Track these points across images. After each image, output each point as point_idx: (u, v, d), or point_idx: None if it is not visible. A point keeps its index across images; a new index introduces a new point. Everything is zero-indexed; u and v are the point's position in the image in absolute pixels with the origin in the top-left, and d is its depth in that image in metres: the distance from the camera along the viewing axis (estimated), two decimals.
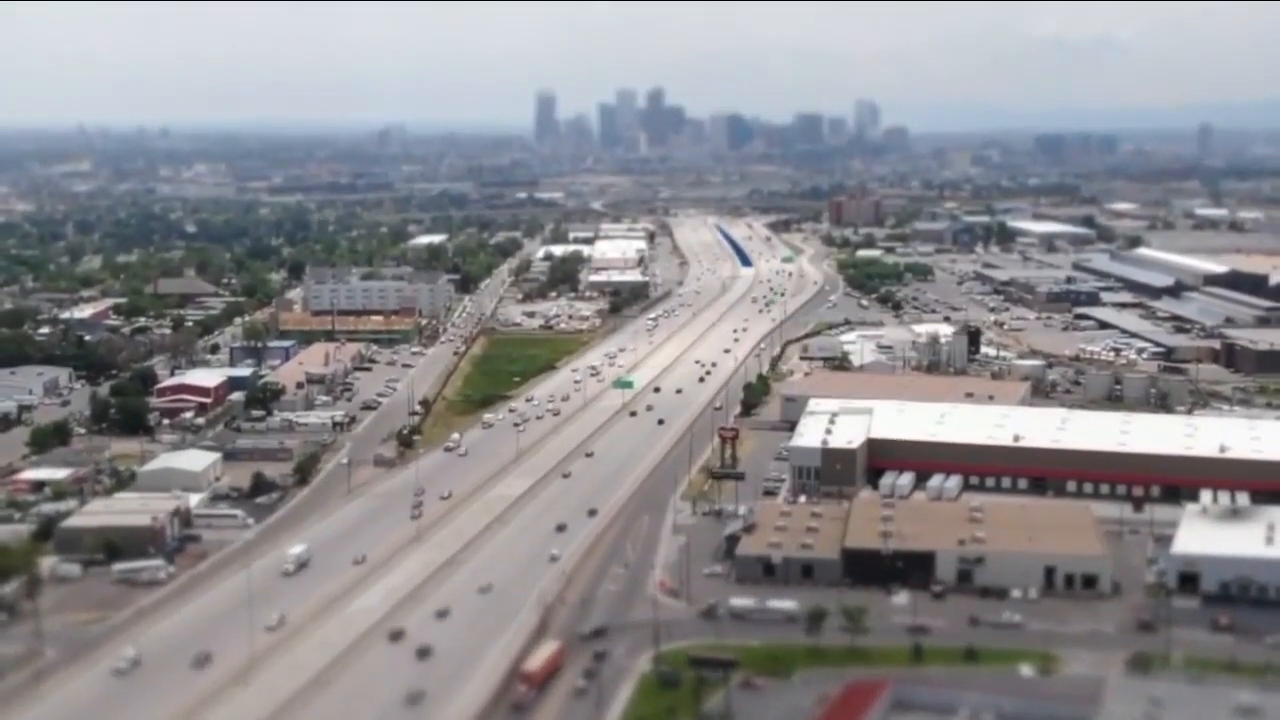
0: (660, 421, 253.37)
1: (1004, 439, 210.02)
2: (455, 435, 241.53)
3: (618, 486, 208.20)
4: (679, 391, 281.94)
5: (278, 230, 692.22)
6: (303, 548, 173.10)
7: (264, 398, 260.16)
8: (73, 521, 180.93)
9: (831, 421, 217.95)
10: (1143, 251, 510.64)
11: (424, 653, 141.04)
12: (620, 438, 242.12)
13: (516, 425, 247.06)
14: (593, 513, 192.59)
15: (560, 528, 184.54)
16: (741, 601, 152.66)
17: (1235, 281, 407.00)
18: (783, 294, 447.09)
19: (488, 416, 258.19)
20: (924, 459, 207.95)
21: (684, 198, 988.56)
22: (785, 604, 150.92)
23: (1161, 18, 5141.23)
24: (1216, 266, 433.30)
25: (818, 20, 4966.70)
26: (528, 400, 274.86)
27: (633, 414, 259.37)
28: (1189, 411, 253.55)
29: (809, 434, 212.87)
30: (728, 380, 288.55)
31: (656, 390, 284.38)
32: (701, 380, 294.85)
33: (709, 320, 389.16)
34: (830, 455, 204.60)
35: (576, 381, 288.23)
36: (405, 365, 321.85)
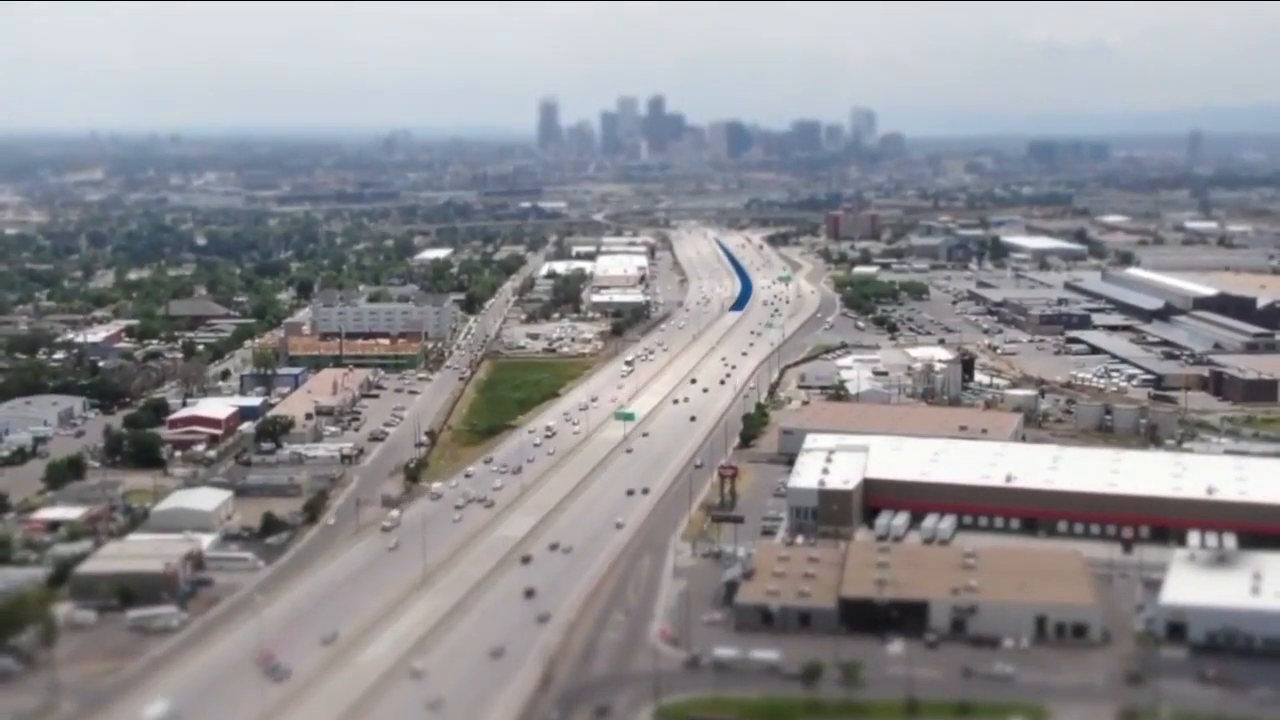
0: (632, 492, 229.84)
1: (997, 479, 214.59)
2: (394, 513, 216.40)
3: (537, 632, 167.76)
4: (645, 490, 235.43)
5: (286, 243, 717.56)
6: (164, 707, 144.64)
7: (274, 431, 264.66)
8: (88, 567, 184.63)
9: (828, 460, 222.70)
10: (1133, 272, 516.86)
11: None
12: (568, 538, 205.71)
13: (458, 507, 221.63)
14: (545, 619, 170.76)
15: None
16: (726, 651, 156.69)
17: (1224, 305, 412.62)
18: (787, 302, 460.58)
19: (436, 485, 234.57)
20: (919, 499, 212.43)
21: (683, 208, 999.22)
22: (768, 654, 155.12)
23: (1152, 23, 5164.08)
24: (1205, 288, 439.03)
25: (816, 26, 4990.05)
26: (486, 461, 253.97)
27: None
28: (1178, 443, 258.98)
29: (806, 473, 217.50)
30: (712, 431, 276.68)
31: (629, 451, 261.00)
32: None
33: (694, 358, 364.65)
34: (827, 496, 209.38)
35: (536, 445, 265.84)
36: (412, 391, 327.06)
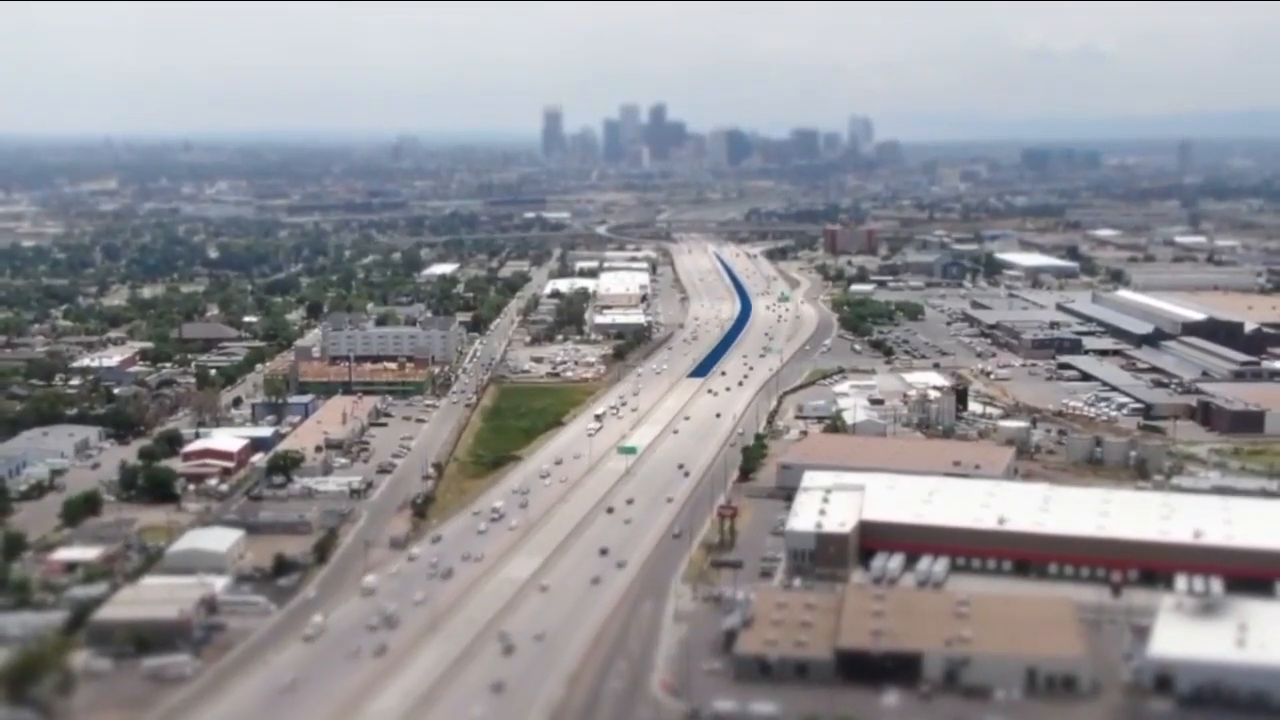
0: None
1: (989, 521, 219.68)
2: (317, 619, 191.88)
3: None
4: (620, 564, 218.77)
5: (296, 255, 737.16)
6: None
7: (284, 466, 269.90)
8: (104, 614, 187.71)
9: (825, 500, 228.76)
10: (1123, 294, 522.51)
11: None
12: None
13: (370, 628, 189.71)
14: None
15: None
16: (724, 704, 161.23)
17: (1212, 330, 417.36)
18: (788, 311, 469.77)
19: (369, 580, 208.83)
20: (913, 541, 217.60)
21: (684, 219, 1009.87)
22: (766, 707, 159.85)
23: (1144, 29, 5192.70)
24: (1194, 312, 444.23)
25: (814, 31, 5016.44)
26: (435, 541, 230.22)
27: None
28: (1166, 477, 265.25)
29: (804, 515, 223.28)
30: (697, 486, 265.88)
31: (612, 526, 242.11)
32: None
33: (669, 412, 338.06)
34: (824, 539, 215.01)
35: (480, 530, 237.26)
36: (419, 420, 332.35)
